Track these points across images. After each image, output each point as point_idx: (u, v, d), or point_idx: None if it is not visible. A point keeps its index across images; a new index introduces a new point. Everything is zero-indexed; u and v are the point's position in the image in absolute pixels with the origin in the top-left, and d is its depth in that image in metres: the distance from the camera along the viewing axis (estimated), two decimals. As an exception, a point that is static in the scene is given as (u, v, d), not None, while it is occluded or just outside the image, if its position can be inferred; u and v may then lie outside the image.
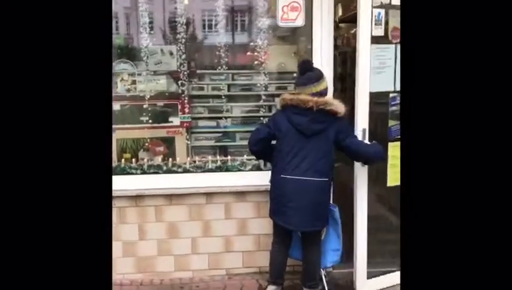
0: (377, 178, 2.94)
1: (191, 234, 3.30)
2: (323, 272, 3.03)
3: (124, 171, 3.30)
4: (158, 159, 3.41)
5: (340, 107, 2.65)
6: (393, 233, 3.35)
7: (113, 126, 3.11)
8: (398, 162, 2.81)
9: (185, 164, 3.40)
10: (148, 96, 3.39)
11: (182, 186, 3.27)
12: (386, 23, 2.80)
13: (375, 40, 2.75)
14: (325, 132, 2.66)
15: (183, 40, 3.36)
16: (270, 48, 3.42)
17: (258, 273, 3.33)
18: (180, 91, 3.43)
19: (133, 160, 3.36)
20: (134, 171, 3.33)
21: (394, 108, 2.88)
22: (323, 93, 2.70)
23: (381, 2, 2.79)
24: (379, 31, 2.77)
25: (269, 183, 2.84)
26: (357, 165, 2.86)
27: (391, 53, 2.85)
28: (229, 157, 3.45)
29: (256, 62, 3.43)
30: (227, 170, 3.41)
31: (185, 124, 3.47)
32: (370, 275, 3.00)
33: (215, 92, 3.52)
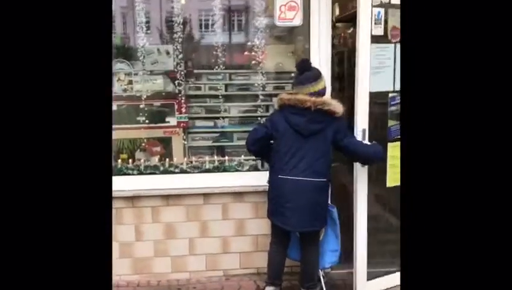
0: (376, 179, 2.93)
1: (188, 234, 3.28)
2: (321, 273, 3.02)
3: (120, 172, 3.28)
4: (155, 160, 3.40)
5: (338, 107, 2.64)
6: (392, 233, 3.36)
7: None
8: (397, 162, 2.80)
9: (182, 164, 3.39)
10: (145, 96, 3.37)
11: (179, 186, 3.26)
12: (385, 22, 2.79)
13: (375, 39, 2.74)
14: (323, 132, 2.64)
15: (180, 40, 3.35)
16: (267, 48, 3.41)
17: (255, 275, 3.31)
18: (177, 91, 3.41)
19: (130, 160, 3.35)
20: (130, 171, 3.32)
21: (393, 108, 2.87)
22: (321, 93, 2.69)
23: (381, 1, 2.77)
24: (379, 30, 2.75)
25: (267, 184, 2.82)
26: (357, 165, 2.85)
27: (390, 52, 2.84)
28: (226, 157, 3.44)
29: (253, 62, 3.41)
30: (225, 170, 3.39)
31: (181, 124, 3.45)
32: (369, 276, 2.98)
33: (212, 92, 3.50)
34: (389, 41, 2.82)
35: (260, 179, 3.06)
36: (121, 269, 3.22)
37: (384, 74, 2.84)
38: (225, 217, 3.29)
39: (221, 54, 3.39)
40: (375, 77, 2.78)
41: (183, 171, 3.36)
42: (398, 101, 2.86)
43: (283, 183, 2.69)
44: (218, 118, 3.54)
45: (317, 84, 2.67)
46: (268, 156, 2.82)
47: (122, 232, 3.20)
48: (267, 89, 3.45)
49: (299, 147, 2.65)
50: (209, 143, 3.56)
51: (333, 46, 3.24)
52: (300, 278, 2.93)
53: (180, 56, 3.37)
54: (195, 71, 3.49)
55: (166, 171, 3.35)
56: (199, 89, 3.51)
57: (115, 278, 3.19)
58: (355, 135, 2.78)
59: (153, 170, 3.35)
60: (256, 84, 3.45)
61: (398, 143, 2.81)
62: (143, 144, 3.42)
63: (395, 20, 2.80)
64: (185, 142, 3.48)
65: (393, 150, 2.85)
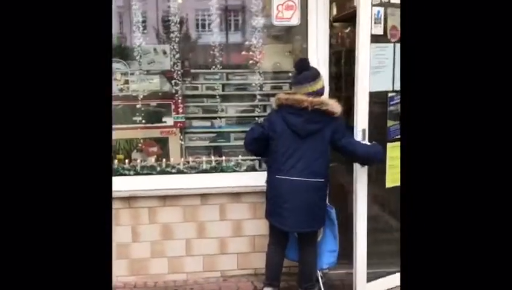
0: (375, 179, 2.91)
1: (185, 235, 3.26)
2: (319, 273, 3.00)
3: (117, 172, 3.25)
4: (151, 160, 3.37)
5: (336, 107, 2.63)
6: (390, 233, 3.35)
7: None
8: (396, 163, 2.79)
9: (178, 164, 3.37)
10: (141, 96, 3.35)
11: (175, 187, 3.24)
12: (385, 21, 2.77)
13: (374, 38, 2.72)
14: (320, 132, 2.63)
15: (177, 39, 3.33)
16: (264, 47, 3.39)
17: (253, 275, 3.30)
18: (173, 91, 3.39)
19: (126, 161, 3.32)
20: (127, 172, 3.30)
21: (393, 108, 2.86)
22: (319, 92, 2.67)
23: (381, 0, 2.76)
24: (378, 30, 2.74)
25: (265, 184, 2.81)
26: (357, 166, 2.83)
27: (389, 52, 2.82)
28: (223, 157, 3.42)
29: (251, 61, 3.39)
30: (222, 170, 3.38)
31: (178, 124, 3.43)
32: (368, 276, 2.97)
33: (210, 92, 3.47)
34: (388, 41, 2.81)
35: (258, 179, 3.05)
36: (117, 270, 3.20)
37: (384, 74, 2.82)
38: (222, 218, 3.27)
39: (219, 54, 3.37)
40: (374, 76, 2.76)
41: (180, 172, 3.34)
42: (397, 101, 2.85)
43: (281, 183, 2.67)
44: (215, 118, 3.52)
45: (315, 84, 2.65)
46: (267, 155, 2.81)
47: (118, 233, 3.17)
48: (264, 89, 3.43)
49: (296, 148, 2.64)
50: (206, 143, 3.53)
51: (330, 45, 3.23)
52: (299, 278, 2.92)
53: (177, 56, 3.34)
54: (192, 71, 3.47)
55: (163, 172, 3.33)
56: (196, 88, 3.49)
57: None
58: (355, 135, 2.76)
59: (150, 171, 3.33)
60: (253, 84, 3.43)
61: (397, 143, 2.80)
62: (139, 144, 3.40)
63: (394, 19, 2.79)
64: (182, 143, 3.45)
65: (393, 151, 2.84)
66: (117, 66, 3.30)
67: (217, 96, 3.47)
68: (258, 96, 3.43)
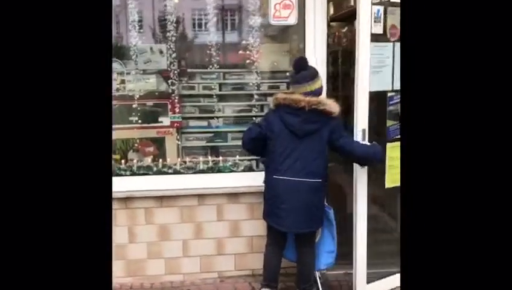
0: (375, 179, 2.90)
1: (182, 236, 3.24)
2: (318, 274, 2.99)
3: (113, 173, 3.22)
4: (148, 160, 3.35)
5: (333, 107, 2.61)
6: (389, 233, 3.34)
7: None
8: (396, 163, 2.77)
9: (175, 164, 3.35)
10: (138, 96, 3.32)
11: (172, 187, 3.22)
12: (384, 20, 2.76)
13: (373, 38, 2.70)
14: (318, 132, 2.61)
15: (173, 39, 3.31)
16: (262, 47, 3.37)
17: (250, 276, 3.29)
18: (170, 90, 3.36)
19: (123, 161, 3.30)
20: (123, 172, 3.28)
21: (392, 108, 2.85)
22: (317, 92, 2.66)
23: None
24: (378, 29, 2.72)
25: (263, 184, 2.80)
26: (357, 166, 2.81)
27: (389, 51, 2.81)
28: (220, 158, 3.40)
29: (248, 61, 3.38)
30: (219, 170, 3.36)
31: (175, 124, 3.41)
32: (368, 277, 2.96)
33: (206, 92, 3.45)
34: (388, 40, 2.80)
35: (255, 179, 3.03)
36: (114, 271, 3.16)
37: (383, 73, 2.81)
38: (220, 218, 3.26)
39: (215, 53, 3.35)
40: (373, 76, 2.74)
41: (176, 172, 3.32)
42: (397, 100, 2.84)
43: (278, 183, 2.66)
44: (212, 117, 3.50)
45: (313, 84, 2.64)
46: (265, 155, 2.79)
47: (115, 233, 3.13)
48: (261, 89, 3.42)
49: (294, 148, 2.63)
50: (203, 143, 3.51)
51: (327, 45, 3.22)
52: (297, 279, 2.90)
53: (174, 55, 3.32)
54: (189, 70, 3.44)
55: (159, 172, 3.31)
56: (193, 88, 3.47)
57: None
58: (354, 135, 2.74)
59: (146, 171, 3.31)
60: (250, 84, 3.41)
61: (397, 143, 2.79)
62: (136, 145, 3.37)
63: (393, 18, 2.77)
64: (179, 143, 3.43)
65: (392, 151, 2.82)
66: (113, 65, 3.27)
67: (214, 96, 3.45)
68: (255, 96, 3.41)
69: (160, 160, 3.34)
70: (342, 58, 5.61)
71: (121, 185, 3.14)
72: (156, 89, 3.39)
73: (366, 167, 2.79)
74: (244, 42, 3.38)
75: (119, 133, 3.31)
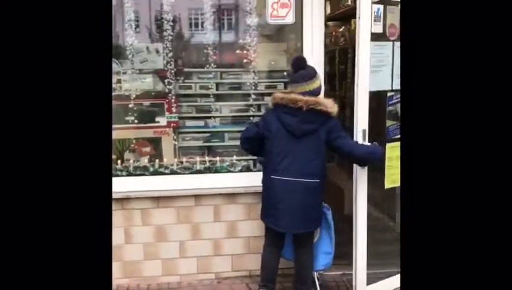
0: (374, 180, 2.88)
1: (179, 237, 3.23)
2: (316, 275, 2.98)
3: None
4: (144, 161, 3.33)
5: (331, 107, 2.59)
6: (387, 234, 3.33)
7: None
8: (395, 163, 2.76)
9: (172, 165, 3.33)
10: (134, 96, 3.29)
11: (169, 188, 3.20)
12: (384, 19, 2.74)
13: (373, 37, 2.68)
14: (316, 132, 2.60)
15: (170, 38, 3.28)
16: (259, 46, 3.35)
17: (248, 277, 3.27)
18: (166, 90, 3.34)
19: (119, 161, 3.28)
20: (119, 173, 3.25)
21: (391, 108, 2.83)
22: (315, 92, 2.64)
23: (380, -2, 2.73)
24: (378, 28, 2.70)
25: (260, 185, 2.78)
26: (357, 166, 2.79)
27: (388, 50, 2.79)
28: (217, 158, 3.38)
29: (245, 60, 3.36)
30: (216, 171, 3.34)
31: (172, 124, 3.38)
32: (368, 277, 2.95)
33: (203, 91, 3.43)
34: (387, 39, 2.78)
35: (252, 179, 3.02)
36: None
37: (382, 73, 2.79)
38: (217, 219, 3.24)
39: (212, 53, 3.33)
40: (373, 75, 2.72)
41: (173, 172, 3.30)
42: (396, 100, 2.83)
43: (275, 184, 2.65)
44: (209, 117, 3.47)
45: (312, 83, 2.62)
46: (263, 155, 2.77)
47: (111, 235, 3.13)
48: (259, 88, 3.40)
49: (291, 148, 2.61)
50: (200, 143, 3.49)
51: (324, 45, 3.21)
52: (294, 280, 2.89)
53: (170, 54, 3.30)
54: (186, 70, 3.42)
55: (156, 173, 3.29)
56: (189, 88, 3.44)
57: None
58: (355, 135, 2.72)
59: (143, 171, 3.29)
60: (248, 83, 3.39)
61: (396, 144, 2.78)
62: (132, 145, 3.35)
63: (392, 17, 2.76)
64: (176, 143, 3.41)
65: (392, 151, 2.81)
66: (111, 65, 3.25)
67: (211, 96, 3.43)
68: (253, 96, 3.39)
69: (157, 160, 3.32)
70: (339, 58, 5.60)
71: (117, 185, 3.10)
72: (153, 88, 3.36)
73: (366, 167, 2.77)
74: (241, 41, 3.36)
75: (115, 133, 3.27)
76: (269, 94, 2.78)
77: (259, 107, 3.41)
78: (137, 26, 3.28)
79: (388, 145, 2.82)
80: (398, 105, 2.82)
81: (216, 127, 3.50)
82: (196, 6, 3.39)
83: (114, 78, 3.26)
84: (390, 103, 2.82)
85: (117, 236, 3.15)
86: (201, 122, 3.50)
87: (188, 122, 3.48)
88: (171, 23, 3.28)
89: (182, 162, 3.35)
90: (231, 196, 3.22)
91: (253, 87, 3.39)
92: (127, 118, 3.29)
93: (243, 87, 3.44)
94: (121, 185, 3.14)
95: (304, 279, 2.83)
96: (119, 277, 3.19)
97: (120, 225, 3.15)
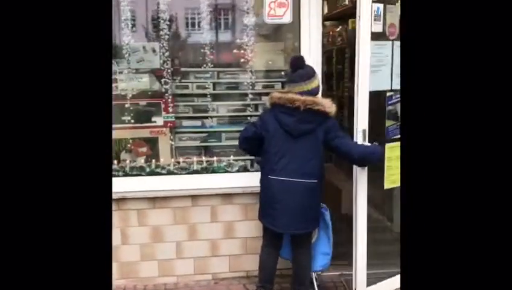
0: (374, 180, 2.87)
1: (175, 238, 3.21)
2: (314, 276, 2.96)
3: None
4: (141, 161, 3.31)
5: (329, 106, 2.58)
6: (387, 234, 3.32)
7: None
8: (395, 163, 2.75)
9: (169, 165, 3.31)
10: (130, 95, 3.27)
11: (166, 188, 3.18)
12: (383, 18, 2.73)
13: (373, 36, 2.66)
14: (314, 132, 2.58)
15: (167, 37, 3.26)
16: (256, 46, 3.34)
17: (245, 278, 3.26)
18: (163, 90, 3.32)
19: (115, 161, 3.25)
20: (116, 173, 3.23)
21: (391, 107, 2.82)
22: (314, 92, 2.62)
23: (380, -3, 2.72)
24: (378, 27, 2.69)
25: (258, 185, 2.77)
26: (357, 167, 2.77)
27: (388, 50, 2.78)
28: (215, 158, 3.36)
29: (242, 60, 3.34)
30: (213, 171, 3.32)
31: (168, 124, 3.36)
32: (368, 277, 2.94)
33: (200, 91, 3.41)
34: (387, 39, 2.77)
35: (250, 180, 3.01)
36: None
37: (382, 73, 2.77)
38: (214, 220, 3.22)
39: (209, 52, 3.31)
40: (372, 75, 2.70)
41: (170, 173, 3.29)
42: (395, 100, 2.81)
43: (273, 184, 2.63)
44: (206, 117, 3.46)
45: (310, 83, 2.60)
46: (261, 155, 2.76)
47: (107, 235, 3.11)
48: (256, 88, 3.38)
49: (289, 148, 2.60)
50: (197, 143, 3.47)
51: (322, 44, 3.19)
52: (292, 281, 2.88)
53: (167, 54, 3.28)
54: (182, 69, 3.40)
55: (152, 173, 3.27)
56: (186, 87, 3.42)
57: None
58: (355, 135, 2.71)
59: (139, 172, 3.27)
60: (245, 83, 3.38)
61: (396, 144, 2.77)
62: (128, 145, 3.33)
63: (392, 16, 2.74)
64: (172, 143, 3.39)
65: (391, 151, 2.80)
66: (107, 64, 3.23)
67: (208, 96, 3.41)
68: (250, 96, 3.38)
69: (154, 160, 3.30)
70: (336, 57, 5.60)
71: (113, 186, 3.08)
72: (149, 88, 3.34)
73: (366, 168, 2.75)
74: (238, 41, 3.35)
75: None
76: (266, 94, 2.77)
77: (256, 107, 3.40)
78: (133, 25, 3.26)
79: (388, 145, 2.80)
80: (398, 105, 2.81)
81: (213, 127, 3.49)
82: (193, 6, 3.37)
83: (111, 78, 3.24)
84: (389, 102, 2.81)
85: (113, 237, 3.11)
86: (198, 122, 3.48)
87: (185, 122, 3.46)
88: (168, 23, 3.26)
89: (178, 162, 3.33)
90: (228, 196, 3.21)
91: (251, 87, 3.37)
92: (123, 118, 3.27)
93: (240, 87, 3.42)
94: (117, 186, 3.10)
95: (302, 280, 2.82)
96: (116, 278, 3.17)
97: (116, 226, 3.13)
